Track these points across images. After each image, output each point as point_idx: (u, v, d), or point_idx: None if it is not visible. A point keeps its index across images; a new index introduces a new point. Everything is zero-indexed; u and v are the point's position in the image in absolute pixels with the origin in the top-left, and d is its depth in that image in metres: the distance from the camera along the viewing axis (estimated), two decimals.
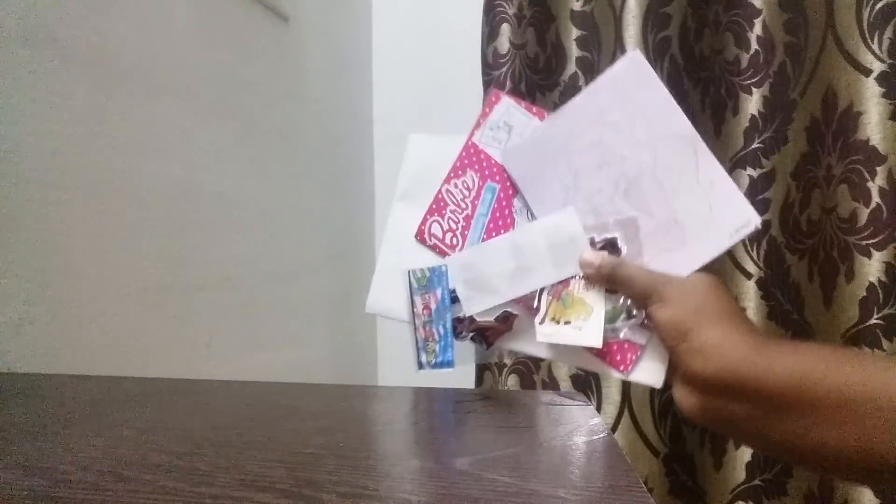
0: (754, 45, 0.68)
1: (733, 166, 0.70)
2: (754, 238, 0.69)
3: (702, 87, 0.73)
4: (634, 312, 0.33)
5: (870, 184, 0.63)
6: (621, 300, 0.34)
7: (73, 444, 0.24)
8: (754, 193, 0.69)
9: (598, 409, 0.71)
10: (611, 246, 0.35)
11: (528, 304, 0.35)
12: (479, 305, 0.35)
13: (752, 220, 0.34)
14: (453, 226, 0.38)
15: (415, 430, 0.29)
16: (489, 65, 0.75)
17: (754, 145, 0.69)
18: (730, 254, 0.71)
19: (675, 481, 0.73)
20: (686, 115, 0.35)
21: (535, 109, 0.39)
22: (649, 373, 0.33)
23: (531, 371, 0.75)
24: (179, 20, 0.55)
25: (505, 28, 0.74)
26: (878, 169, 0.63)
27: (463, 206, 0.38)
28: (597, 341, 0.33)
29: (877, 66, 0.62)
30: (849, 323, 0.63)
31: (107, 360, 0.45)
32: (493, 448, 0.25)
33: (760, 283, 0.69)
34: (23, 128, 0.39)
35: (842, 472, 0.28)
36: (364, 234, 0.97)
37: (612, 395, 0.71)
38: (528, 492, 0.20)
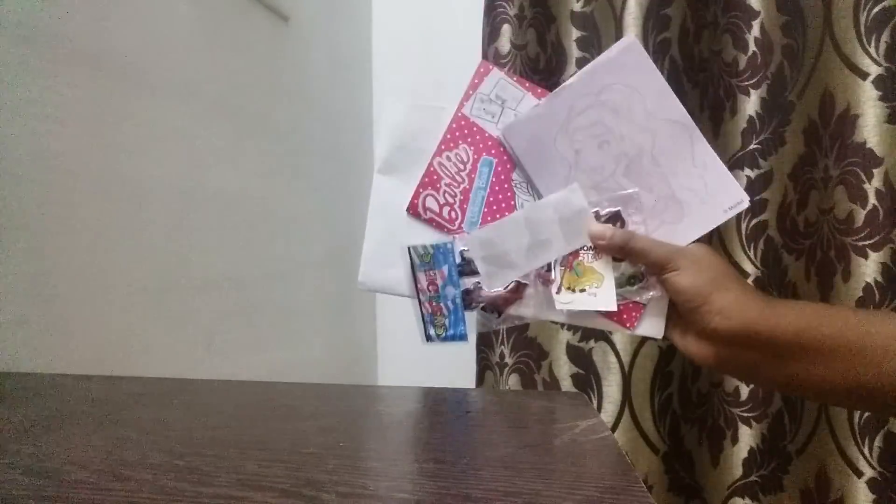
0: (752, 47, 0.68)
1: (731, 167, 0.70)
2: (752, 238, 0.69)
3: (700, 88, 0.74)
4: (637, 278, 0.37)
5: (866, 185, 0.63)
6: (624, 267, 0.37)
7: (73, 444, 0.24)
8: (752, 194, 0.69)
9: (599, 408, 0.71)
10: (615, 219, 0.38)
11: (538, 272, 0.38)
12: (500, 280, 0.37)
13: (743, 199, 0.38)
14: (450, 199, 0.38)
15: (415, 430, 0.29)
16: None
17: (752, 146, 0.69)
18: (728, 253, 0.71)
19: (674, 478, 0.73)
20: (680, 99, 0.38)
21: (527, 84, 0.39)
22: (652, 327, 0.38)
23: (532, 371, 0.75)
24: (179, 20, 0.55)
25: (506, 29, 0.74)
26: (875, 171, 0.63)
27: (459, 179, 0.38)
28: (612, 305, 0.37)
29: (874, 70, 0.63)
30: None
31: (107, 360, 0.45)
32: (494, 448, 0.25)
33: (758, 283, 0.69)
34: (23, 128, 0.39)
35: (834, 401, 0.37)
36: (364, 235, 0.97)
37: (613, 395, 0.71)
38: (529, 492, 0.20)
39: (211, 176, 0.59)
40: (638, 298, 0.37)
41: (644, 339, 0.71)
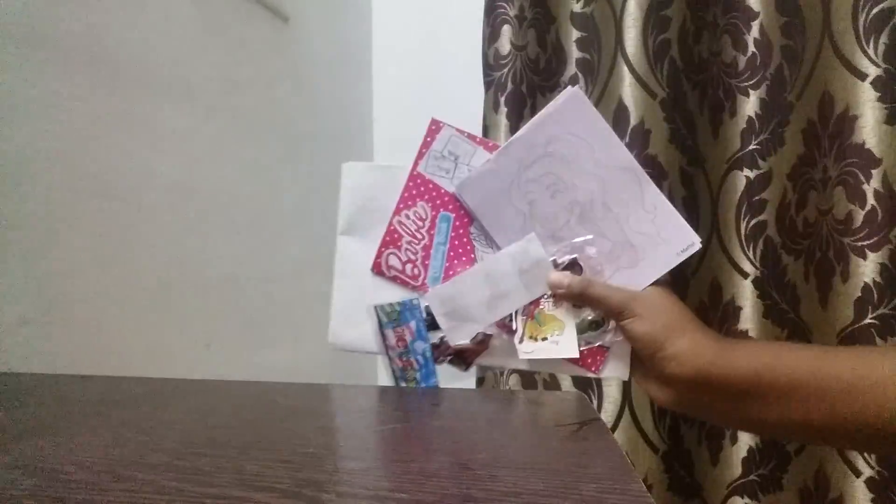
0: (751, 48, 0.68)
1: (730, 167, 0.70)
2: (751, 238, 0.69)
3: (700, 89, 0.74)
4: (598, 323, 0.38)
5: (865, 186, 0.63)
6: (585, 313, 0.38)
7: (73, 444, 0.24)
8: (751, 194, 0.69)
9: (599, 408, 0.71)
10: (572, 266, 0.38)
11: (503, 322, 0.38)
12: (462, 335, 0.38)
13: (694, 242, 0.39)
14: (412, 256, 0.39)
15: (415, 430, 0.29)
16: (490, 66, 0.75)
17: (751, 147, 0.69)
18: (727, 254, 0.71)
19: (674, 477, 0.73)
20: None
21: (478, 139, 0.40)
22: (616, 369, 0.39)
23: (532, 371, 0.75)
24: (179, 20, 0.55)
25: (506, 29, 0.74)
26: (874, 172, 0.63)
27: (419, 236, 0.39)
28: (574, 352, 0.38)
29: (872, 71, 0.63)
30: (844, 322, 0.64)
31: (107, 360, 0.45)
32: (494, 448, 0.25)
33: (757, 283, 0.69)
34: (22, 128, 0.39)
35: (790, 437, 0.37)
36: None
37: (613, 394, 0.71)
38: (529, 492, 0.20)
39: (211, 176, 0.59)
40: (600, 342, 0.38)
41: None
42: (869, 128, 0.63)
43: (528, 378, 0.75)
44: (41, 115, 0.41)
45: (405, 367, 0.38)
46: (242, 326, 0.64)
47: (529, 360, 0.38)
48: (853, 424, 0.30)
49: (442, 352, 0.38)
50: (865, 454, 0.64)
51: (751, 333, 0.69)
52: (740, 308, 0.70)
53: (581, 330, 0.38)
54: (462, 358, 0.39)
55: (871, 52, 0.63)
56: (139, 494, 0.19)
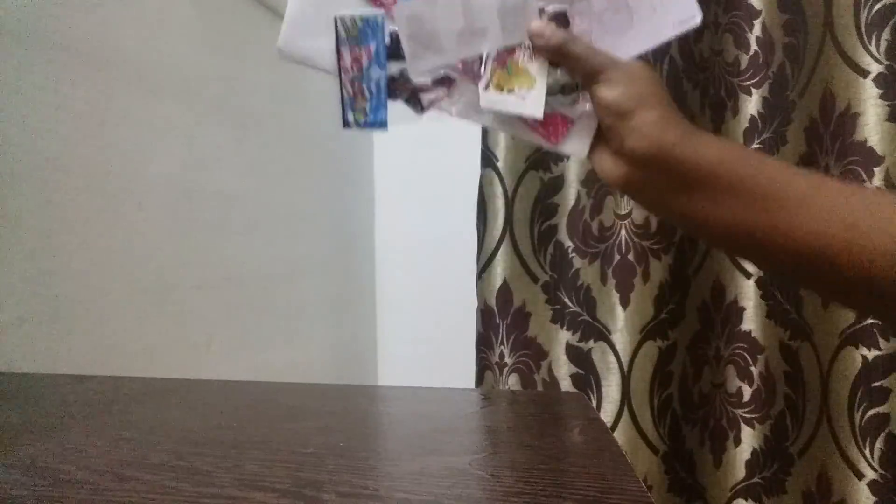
0: (753, 46, 0.68)
1: None
2: None
3: (701, 89, 0.74)
4: (570, 88, 0.35)
5: (867, 184, 0.63)
6: (559, 75, 0.35)
7: (73, 444, 0.24)
8: None
9: (598, 408, 0.71)
10: (559, 19, 0.35)
11: (470, 69, 0.35)
12: (424, 63, 0.34)
13: (696, 15, 0.35)
14: None
15: (415, 430, 0.29)
16: None
17: (754, 146, 0.69)
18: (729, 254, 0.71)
19: (675, 479, 0.73)
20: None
21: None
22: (577, 144, 0.36)
23: (531, 371, 0.75)
24: (179, 20, 0.55)
25: None
26: (876, 170, 0.63)
27: None
28: (538, 112, 0.34)
29: (874, 68, 0.63)
30: (846, 323, 0.63)
31: (107, 360, 0.45)
32: (493, 448, 0.25)
33: (760, 283, 0.69)
34: (23, 128, 0.39)
35: (735, 246, 0.34)
36: (364, 234, 0.98)
37: (612, 394, 0.71)
38: (528, 492, 0.20)
39: (211, 176, 0.59)
40: (567, 112, 0.35)
41: (643, 340, 0.71)
42: (871, 125, 0.63)
43: (528, 378, 0.75)
44: (41, 115, 0.41)
45: (356, 94, 0.35)
46: (242, 326, 0.64)
47: (491, 114, 0.35)
48: (808, 243, 0.29)
49: (398, 87, 0.34)
50: (868, 456, 0.63)
51: (753, 334, 0.69)
52: (743, 309, 0.70)
53: (551, 92, 0.34)
54: (419, 98, 0.35)
55: (872, 48, 0.63)
56: (139, 494, 0.19)
